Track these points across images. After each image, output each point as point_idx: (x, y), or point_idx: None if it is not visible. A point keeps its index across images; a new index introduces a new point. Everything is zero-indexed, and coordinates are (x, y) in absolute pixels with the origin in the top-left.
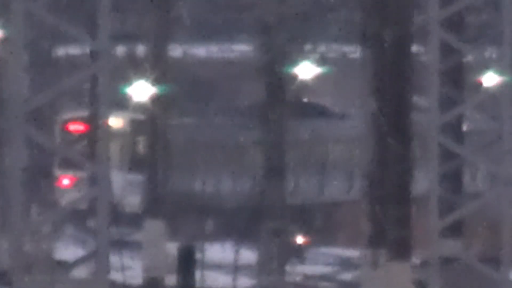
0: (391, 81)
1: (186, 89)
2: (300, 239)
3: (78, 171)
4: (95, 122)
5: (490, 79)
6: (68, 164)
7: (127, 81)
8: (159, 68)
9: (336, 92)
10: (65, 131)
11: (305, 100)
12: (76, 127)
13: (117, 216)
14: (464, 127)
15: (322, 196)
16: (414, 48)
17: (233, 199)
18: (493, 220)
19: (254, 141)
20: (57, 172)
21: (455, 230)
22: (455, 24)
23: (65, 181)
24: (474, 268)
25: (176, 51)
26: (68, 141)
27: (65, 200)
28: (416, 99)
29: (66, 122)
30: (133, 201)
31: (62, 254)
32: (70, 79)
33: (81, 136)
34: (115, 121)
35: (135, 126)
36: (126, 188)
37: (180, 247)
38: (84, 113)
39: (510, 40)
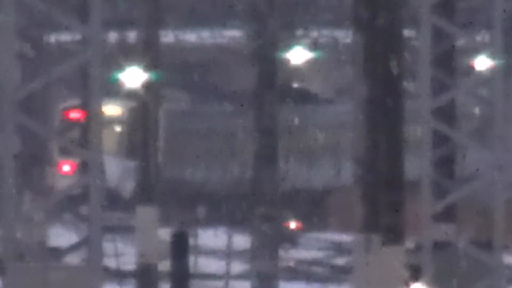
0: (382, 66)
1: (177, 75)
2: (292, 224)
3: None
4: (90, 109)
5: (482, 63)
6: (69, 151)
7: (119, 67)
8: (150, 54)
9: (328, 77)
10: (65, 119)
11: (296, 85)
12: (75, 115)
13: (110, 202)
14: (456, 112)
15: (314, 182)
16: (406, 32)
17: (225, 185)
18: (486, 205)
19: (246, 127)
20: (57, 158)
21: (448, 214)
22: (446, 8)
23: (66, 167)
24: (467, 252)
25: (167, 37)
26: (68, 128)
27: (65, 186)
28: (408, 84)
29: (65, 109)
30: (126, 187)
31: (54, 241)
32: (61, 66)
33: (79, 123)
34: (112, 108)
35: (131, 113)
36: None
37: (173, 233)
38: (82, 100)
39: (502, 24)
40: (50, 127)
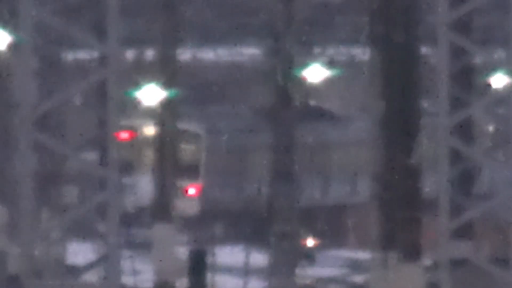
0: (400, 84)
1: (194, 93)
2: (310, 242)
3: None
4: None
5: (499, 80)
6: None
7: (136, 85)
8: (167, 72)
9: (344, 95)
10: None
11: (312, 103)
12: (124, 135)
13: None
14: (473, 129)
15: (331, 199)
16: (423, 50)
17: (242, 203)
18: (503, 222)
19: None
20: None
21: (465, 231)
22: (463, 25)
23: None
24: (484, 269)
25: (184, 54)
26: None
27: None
28: (425, 101)
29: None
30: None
31: (72, 259)
32: (79, 84)
33: (128, 144)
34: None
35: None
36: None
37: (191, 250)
38: (131, 122)
39: None
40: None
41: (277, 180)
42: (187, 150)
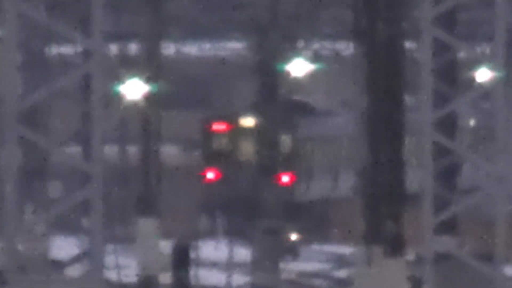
0: (383, 78)
1: (179, 87)
2: (294, 237)
3: (223, 165)
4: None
5: (483, 75)
6: (214, 159)
7: (120, 79)
8: (152, 66)
9: (328, 89)
10: (209, 130)
11: (297, 97)
12: (219, 126)
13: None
14: (457, 124)
15: (314, 194)
16: (407, 45)
17: (227, 197)
18: (487, 217)
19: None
20: (203, 166)
21: (449, 226)
22: (447, 20)
23: (210, 175)
24: (468, 264)
25: (169, 49)
26: (211, 139)
27: (211, 193)
28: (409, 96)
29: (210, 121)
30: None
31: (56, 253)
32: (63, 78)
33: (222, 135)
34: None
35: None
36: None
37: (175, 245)
38: (226, 113)
39: (502, 36)
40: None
41: (262, 175)
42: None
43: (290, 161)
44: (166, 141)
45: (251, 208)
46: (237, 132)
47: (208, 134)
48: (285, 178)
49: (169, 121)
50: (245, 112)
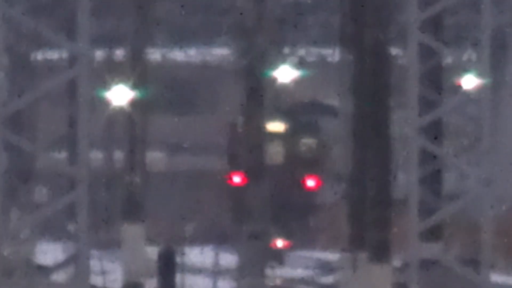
0: (370, 84)
1: (164, 92)
2: (279, 242)
3: (248, 169)
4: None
5: (469, 81)
6: (240, 162)
7: (106, 84)
8: (137, 71)
9: (315, 95)
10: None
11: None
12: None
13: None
14: (443, 129)
15: (301, 199)
16: (393, 50)
17: (212, 203)
18: (473, 223)
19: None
20: (228, 170)
21: (435, 232)
22: (434, 26)
23: (236, 179)
24: (454, 270)
25: (154, 54)
26: (236, 141)
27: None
28: (395, 101)
29: (235, 124)
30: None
31: (42, 259)
32: (49, 83)
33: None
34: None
35: None
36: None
37: (160, 251)
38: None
39: (489, 42)
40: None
41: (248, 180)
42: (308, 144)
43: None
44: (152, 146)
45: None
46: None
47: (235, 138)
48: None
49: (155, 126)
50: (272, 116)
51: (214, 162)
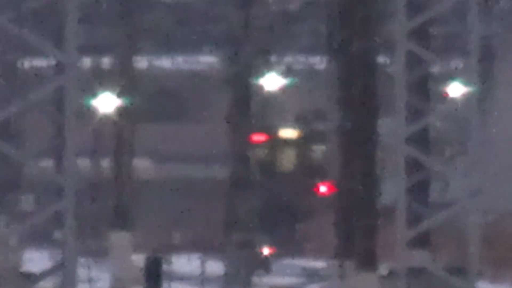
0: (357, 92)
1: (152, 100)
2: (266, 250)
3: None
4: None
5: (456, 89)
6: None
7: (93, 93)
8: (125, 79)
9: (302, 103)
10: (248, 141)
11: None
12: (258, 138)
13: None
14: (431, 138)
15: (288, 207)
16: (381, 59)
17: (200, 211)
18: (460, 231)
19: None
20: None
21: (422, 240)
22: (421, 35)
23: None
24: (441, 278)
25: (142, 62)
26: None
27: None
28: (382, 110)
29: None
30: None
31: (29, 266)
32: (37, 91)
33: (261, 145)
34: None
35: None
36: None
37: (147, 259)
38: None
39: (476, 51)
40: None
41: (235, 189)
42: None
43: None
44: (139, 154)
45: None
46: (276, 143)
47: (248, 145)
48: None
49: (142, 134)
50: (284, 123)
51: (202, 170)
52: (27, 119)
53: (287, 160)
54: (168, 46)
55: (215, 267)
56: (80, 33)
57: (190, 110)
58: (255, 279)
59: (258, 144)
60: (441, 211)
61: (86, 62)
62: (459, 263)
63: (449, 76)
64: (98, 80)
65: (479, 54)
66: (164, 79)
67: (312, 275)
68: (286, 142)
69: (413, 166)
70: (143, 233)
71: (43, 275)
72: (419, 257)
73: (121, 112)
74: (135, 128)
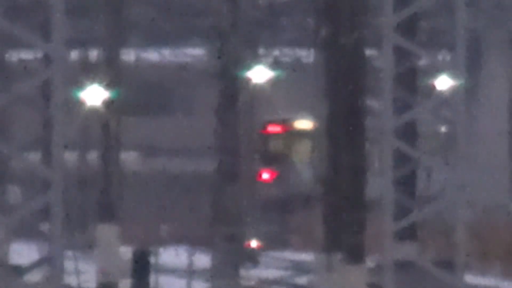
0: (345, 85)
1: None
2: (254, 243)
3: (279, 166)
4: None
5: (443, 82)
6: (270, 159)
7: (80, 85)
8: (112, 72)
9: (289, 96)
10: (263, 132)
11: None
12: (274, 128)
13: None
14: (418, 131)
15: (276, 200)
16: (368, 52)
17: (187, 204)
18: (448, 224)
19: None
20: (257, 167)
21: (409, 233)
22: (409, 28)
23: (265, 175)
24: (428, 271)
25: (129, 55)
26: (266, 140)
27: (266, 194)
28: (370, 103)
29: (266, 123)
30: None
31: (16, 259)
32: (23, 83)
33: (276, 136)
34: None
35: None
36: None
37: (135, 251)
38: (282, 115)
39: (463, 44)
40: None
41: (222, 181)
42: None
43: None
44: (127, 147)
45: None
46: (292, 134)
47: (263, 136)
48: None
49: (129, 127)
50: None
51: (189, 163)
52: (14, 112)
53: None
54: (155, 39)
55: (203, 260)
56: (67, 26)
57: (177, 102)
58: (243, 272)
59: (273, 135)
60: (428, 204)
61: (74, 55)
62: (446, 256)
63: (437, 70)
64: (85, 73)
65: (467, 47)
66: (151, 72)
67: (299, 268)
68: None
69: (401, 159)
70: (130, 226)
71: (30, 267)
72: (406, 250)
73: (109, 105)
74: (123, 120)
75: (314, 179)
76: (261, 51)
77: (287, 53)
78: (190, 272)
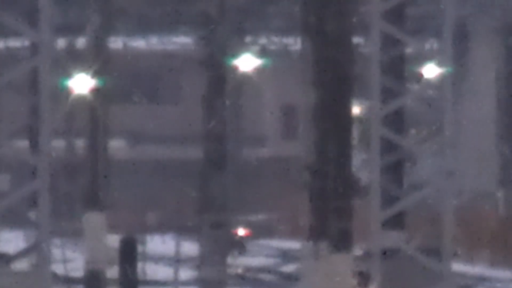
0: (332, 73)
1: (126, 81)
2: (241, 231)
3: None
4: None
5: (431, 70)
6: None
7: (67, 73)
8: (99, 60)
9: (277, 84)
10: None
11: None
12: None
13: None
14: (405, 119)
15: (263, 189)
16: (355, 39)
17: (174, 192)
18: (435, 212)
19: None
20: None
21: (397, 221)
22: (396, 15)
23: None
24: (416, 259)
25: (116, 43)
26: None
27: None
28: (357, 91)
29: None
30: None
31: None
32: (11, 71)
33: None
34: None
35: None
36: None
37: (122, 239)
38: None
39: (451, 32)
40: None
41: (209, 169)
42: None
43: None
44: (114, 135)
45: None
46: None
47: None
48: None
49: (117, 115)
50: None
51: (176, 151)
52: (1, 100)
53: None
54: (142, 26)
55: (190, 247)
56: (54, 14)
57: (164, 90)
58: (230, 260)
59: None
60: (415, 192)
61: (61, 42)
62: (433, 244)
63: (424, 58)
64: (72, 61)
65: (454, 35)
66: (139, 60)
67: (286, 256)
68: None
69: (388, 147)
70: (117, 214)
71: (18, 255)
72: (394, 238)
73: (96, 92)
74: (110, 108)
75: (301, 167)
76: (248, 39)
77: (275, 41)
78: (177, 260)
